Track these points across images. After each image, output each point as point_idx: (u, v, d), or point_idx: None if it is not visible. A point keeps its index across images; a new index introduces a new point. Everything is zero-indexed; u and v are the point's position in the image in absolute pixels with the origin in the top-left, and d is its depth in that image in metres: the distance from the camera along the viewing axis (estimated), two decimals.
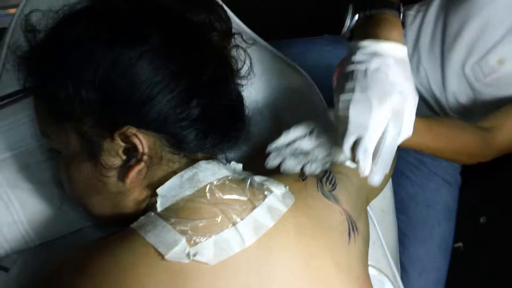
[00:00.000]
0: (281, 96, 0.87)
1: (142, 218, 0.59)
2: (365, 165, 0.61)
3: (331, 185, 0.69)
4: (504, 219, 1.50)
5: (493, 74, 1.01)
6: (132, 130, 0.58)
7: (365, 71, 0.61)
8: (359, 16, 0.67)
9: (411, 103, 0.61)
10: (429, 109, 1.19)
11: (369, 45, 0.62)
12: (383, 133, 0.60)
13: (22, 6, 0.73)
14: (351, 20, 0.68)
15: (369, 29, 0.64)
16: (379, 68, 0.60)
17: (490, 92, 1.06)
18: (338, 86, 0.63)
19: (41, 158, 0.73)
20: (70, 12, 0.61)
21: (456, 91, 1.10)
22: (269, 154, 0.70)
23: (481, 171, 1.07)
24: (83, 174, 0.61)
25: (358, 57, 0.62)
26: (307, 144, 0.69)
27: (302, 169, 0.69)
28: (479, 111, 1.13)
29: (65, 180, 0.64)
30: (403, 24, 0.67)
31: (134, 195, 0.62)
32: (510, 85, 1.02)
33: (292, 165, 0.68)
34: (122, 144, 0.59)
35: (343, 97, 0.61)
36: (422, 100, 1.18)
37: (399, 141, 0.62)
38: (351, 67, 0.63)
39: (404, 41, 0.65)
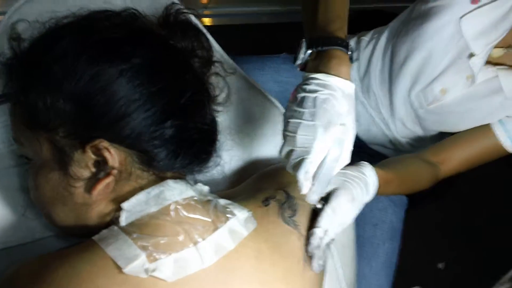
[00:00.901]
0: (254, 127, 0.89)
1: (104, 231, 0.60)
2: (305, 184, 0.66)
3: (291, 211, 0.71)
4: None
5: (436, 102, 1.07)
6: (105, 144, 0.59)
7: (315, 99, 0.66)
8: (312, 50, 0.73)
9: (351, 135, 0.68)
10: (380, 132, 1.24)
11: (321, 78, 0.68)
12: (324, 158, 0.66)
13: (10, 13, 0.75)
14: (305, 53, 0.73)
15: (321, 63, 0.70)
16: (327, 99, 0.66)
17: (433, 119, 1.12)
18: (289, 110, 0.69)
19: (10, 163, 0.73)
20: (57, 25, 0.63)
21: (403, 116, 1.16)
22: None
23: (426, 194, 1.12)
24: (51, 182, 0.62)
25: (310, 86, 0.68)
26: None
27: (266, 199, 0.72)
28: (424, 137, 1.19)
29: (32, 187, 0.65)
30: (351, 59, 0.73)
31: (99, 208, 0.62)
32: (451, 114, 1.08)
33: (322, 264, 0.70)
34: (93, 156, 0.60)
35: (293, 121, 0.67)
36: (373, 123, 1.23)
37: (338, 167, 0.68)
38: (302, 94, 0.68)
39: (352, 75, 0.71)
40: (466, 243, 1.67)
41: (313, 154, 0.65)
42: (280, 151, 0.70)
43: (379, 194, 0.81)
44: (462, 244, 1.72)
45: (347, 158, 0.68)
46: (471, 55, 0.99)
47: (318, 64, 0.70)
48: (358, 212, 0.75)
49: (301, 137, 0.66)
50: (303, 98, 0.68)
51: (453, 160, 1.06)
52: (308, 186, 0.66)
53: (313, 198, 0.67)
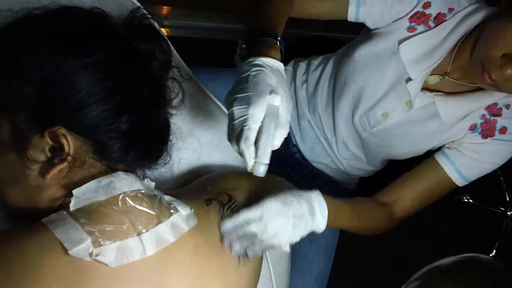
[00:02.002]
0: (203, 132, 0.94)
1: (53, 214, 0.62)
2: (248, 153, 0.69)
3: (231, 212, 0.76)
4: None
5: (378, 125, 1.12)
6: (63, 130, 0.62)
7: (247, 77, 0.73)
8: (246, 44, 0.80)
9: (285, 103, 0.72)
10: (323, 151, 1.29)
11: (252, 60, 0.75)
12: (261, 127, 0.70)
13: None
14: (240, 48, 0.81)
15: (253, 52, 0.77)
16: (257, 74, 0.72)
17: (376, 142, 1.16)
18: (227, 95, 0.74)
19: None
20: (28, 15, 0.65)
21: (345, 138, 1.21)
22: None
23: None
24: (7, 163, 0.64)
25: (244, 69, 0.74)
26: (257, 227, 0.75)
27: (208, 199, 0.76)
28: (364, 160, 1.25)
29: None
30: (281, 50, 0.80)
31: (51, 192, 0.65)
32: (392, 136, 1.13)
33: (237, 249, 0.74)
34: (50, 142, 0.62)
35: (229, 97, 0.73)
36: (317, 142, 1.29)
37: (277, 136, 0.71)
38: (237, 78, 0.75)
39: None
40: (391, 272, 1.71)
41: (249, 121, 0.68)
42: (227, 134, 0.73)
43: (331, 224, 0.85)
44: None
45: (285, 126, 0.72)
46: (409, 80, 1.05)
47: (251, 53, 0.77)
48: (300, 232, 0.79)
49: (237, 110, 0.70)
50: (238, 79, 0.74)
51: (404, 198, 1.09)
52: (252, 156, 0.69)
53: (260, 171, 0.70)
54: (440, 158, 1.08)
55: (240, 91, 0.71)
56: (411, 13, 1.03)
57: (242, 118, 0.69)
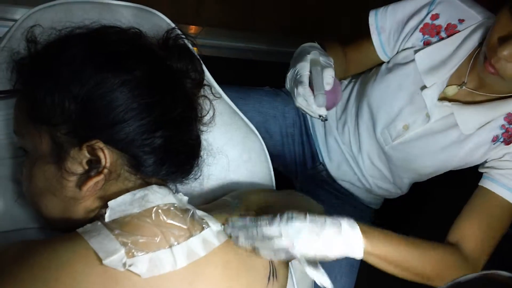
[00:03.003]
0: (232, 150, 0.95)
1: (88, 225, 0.65)
2: (306, 92, 0.95)
3: None
4: None
5: (399, 138, 1.14)
6: (100, 144, 0.64)
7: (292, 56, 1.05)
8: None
9: (323, 56, 1.02)
10: (349, 168, 1.30)
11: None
12: (311, 73, 0.96)
13: (23, 18, 0.80)
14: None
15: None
16: (299, 50, 1.07)
17: (398, 156, 1.18)
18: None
19: (5, 155, 0.78)
20: (71, 33, 0.69)
21: (370, 153, 1.23)
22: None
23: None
24: (45, 174, 0.67)
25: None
26: (274, 231, 0.72)
27: None
28: (391, 176, 1.25)
29: (26, 177, 0.69)
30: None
31: (86, 203, 0.67)
32: (413, 148, 1.14)
33: (243, 243, 0.73)
34: (88, 155, 0.65)
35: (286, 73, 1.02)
36: (344, 159, 1.31)
37: (325, 72, 0.95)
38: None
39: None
40: None
41: (299, 71, 0.96)
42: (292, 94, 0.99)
43: (374, 254, 0.79)
44: None
45: (330, 66, 0.97)
46: (424, 88, 1.07)
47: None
48: (331, 253, 0.75)
49: (290, 73, 0.99)
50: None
51: (471, 235, 0.99)
52: (310, 94, 0.93)
53: (320, 100, 0.93)
54: (485, 184, 1.04)
55: (290, 65, 0.99)
56: (421, 25, 1.09)
57: (294, 73, 0.95)
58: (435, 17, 1.07)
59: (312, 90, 0.94)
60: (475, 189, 1.06)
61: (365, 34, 1.17)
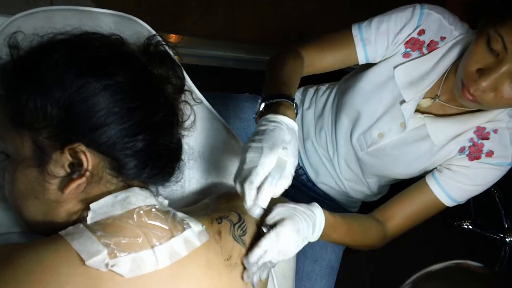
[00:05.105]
0: (213, 154, 0.97)
1: (70, 227, 0.65)
2: (249, 195, 0.76)
3: (241, 231, 0.79)
4: None
5: (374, 145, 1.18)
6: (82, 147, 0.65)
7: (265, 131, 0.80)
8: (265, 103, 0.89)
9: (292, 158, 0.79)
10: (327, 172, 1.34)
11: (271, 116, 0.83)
12: (267, 175, 0.76)
13: (5, 24, 0.81)
14: (259, 106, 0.90)
15: (271, 109, 0.86)
16: (274, 129, 0.80)
17: (371, 161, 1.22)
18: (244, 144, 0.82)
19: None
20: (53, 39, 0.70)
21: (346, 156, 1.27)
22: None
23: None
24: (28, 177, 0.67)
25: (262, 123, 0.83)
26: (274, 255, 0.79)
27: (219, 218, 0.79)
28: (365, 181, 1.29)
29: (8, 181, 0.70)
30: (296, 110, 0.90)
31: (68, 206, 0.68)
32: (387, 156, 1.18)
33: (256, 281, 0.77)
34: (70, 158, 0.66)
35: (245, 145, 0.80)
36: (321, 162, 1.34)
37: (279, 185, 0.77)
38: (256, 130, 0.83)
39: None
40: None
41: (258, 168, 0.75)
42: (234, 176, 0.80)
43: (324, 237, 0.89)
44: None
45: (289, 178, 0.78)
46: (403, 102, 1.11)
47: (270, 110, 0.86)
48: (301, 246, 0.82)
49: (250, 157, 0.77)
50: (256, 131, 0.81)
51: (397, 217, 1.15)
52: (252, 198, 0.75)
53: (256, 212, 0.76)
54: (429, 180, 1.14)
55: (256, 141, 0.79)
56: (407, 38, 1.11)
57: (252, 165, 0.76)
58: (421, 32, 1.10)
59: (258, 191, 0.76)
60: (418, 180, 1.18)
61: (344, 44, 1.15)
